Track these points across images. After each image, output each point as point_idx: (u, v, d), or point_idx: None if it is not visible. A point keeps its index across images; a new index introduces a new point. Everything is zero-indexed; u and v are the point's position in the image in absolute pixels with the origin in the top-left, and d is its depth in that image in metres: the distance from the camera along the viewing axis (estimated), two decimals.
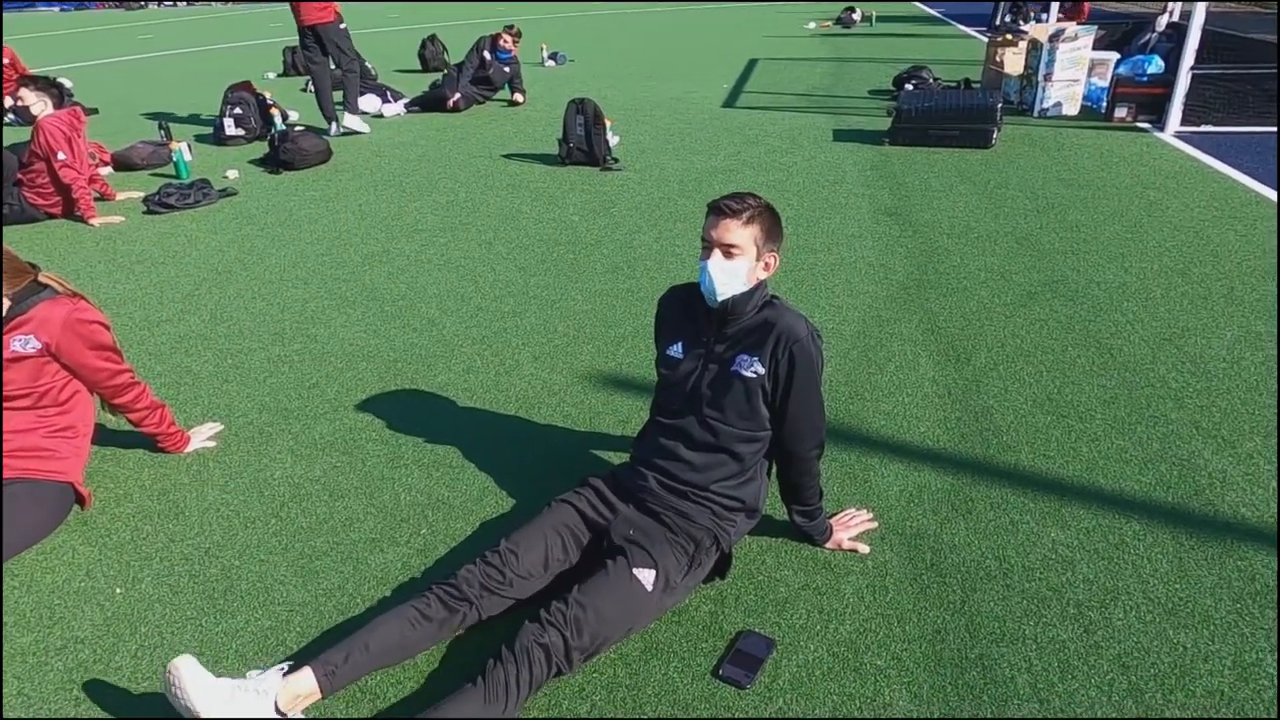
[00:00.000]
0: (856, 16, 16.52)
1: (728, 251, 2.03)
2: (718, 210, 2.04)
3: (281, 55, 12.13)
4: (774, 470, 2.28)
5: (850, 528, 2.34)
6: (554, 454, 2.79)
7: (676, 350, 2.21)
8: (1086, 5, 11.92)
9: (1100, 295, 3.82)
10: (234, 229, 5.31)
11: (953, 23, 16.40)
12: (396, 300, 4.09)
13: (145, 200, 5.79)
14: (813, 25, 16.42)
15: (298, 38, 7.70)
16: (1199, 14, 6.25)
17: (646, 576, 1.98)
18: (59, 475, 2.49)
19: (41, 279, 2.50)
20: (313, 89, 8.03)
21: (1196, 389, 3.01)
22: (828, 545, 2.30)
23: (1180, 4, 9.81)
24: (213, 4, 34.75)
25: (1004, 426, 2.84)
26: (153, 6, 34.13)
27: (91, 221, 5.44)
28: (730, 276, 2.05)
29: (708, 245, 2.06)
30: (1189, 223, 4.72)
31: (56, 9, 33.07)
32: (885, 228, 4.84)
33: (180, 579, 2.29)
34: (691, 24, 18.43)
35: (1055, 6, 8.08)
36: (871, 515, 2.41)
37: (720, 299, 2.07)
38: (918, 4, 21.13)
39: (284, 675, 1.80)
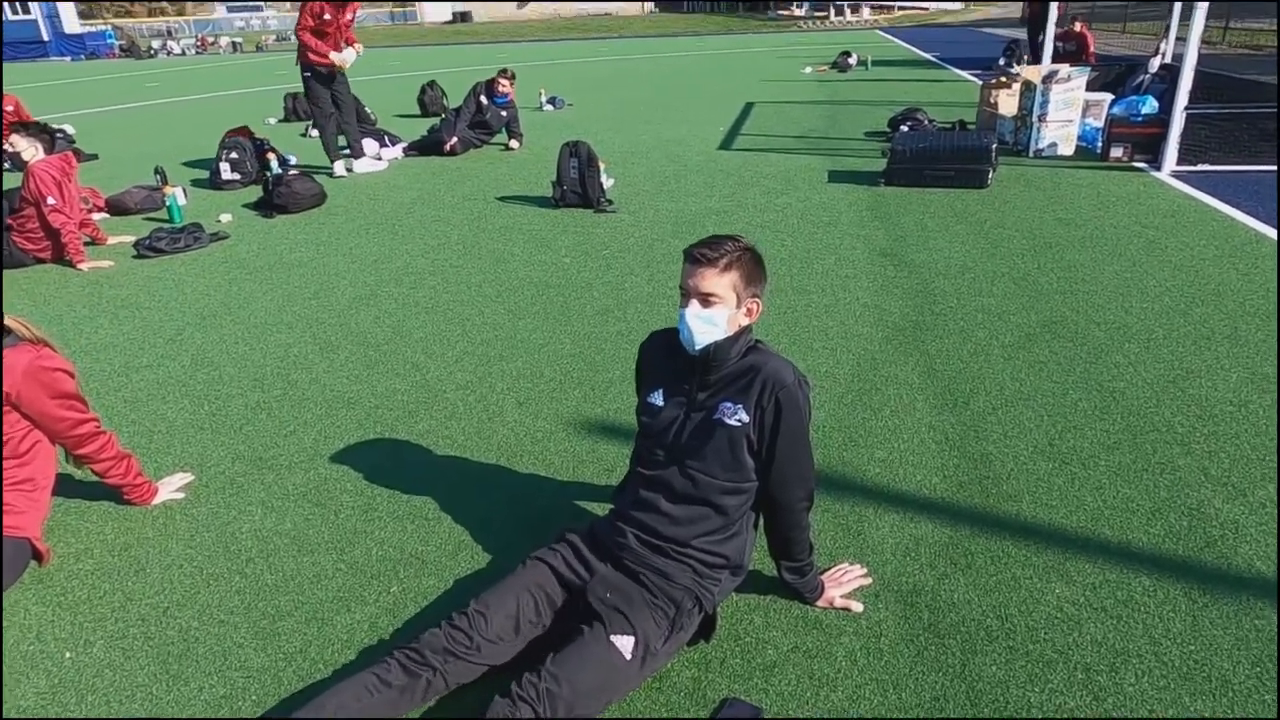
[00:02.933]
0: (852, 60, 16.71)
1: (705, 300, 1.95)
2: (693, 259, 1.96)
3: (283, 101, 12.26)
4: (761, 525, 2.16)
5: (842, 584, 2.21)
6: (534, 505, 2.68)
7: (657, 398, 2.11)
8: (1091, 46, 12.01)
9: (1101, 336, 3.72)
10: (222, 273, 5.26)
11: (947, 66, 16.59)
12: (381, 345, 4.01)
13: (135, 244, 5.76)
14: (809, 70, 16.61)
15: (302, 81, 7.74)
16: (1192, 53, 6.26)
17: (625, 644, 1.85)
18: (15, 531, 2.37)
19: (7, 323, 2.42)
20: (315, 132, 8.06)
21: (1203, 433, 2.90)
22: (819, 603, 2.17)
23: (1173, 45, 9.88)
24: (220, 52, 35.42)
25: (1004, 475, 2.72)
26: (163, 57, 34.76)
27: (80, 266, 5.40)
28: (708, 325, 1.96)
29: (685, 294, 1.98)
30: (1189, 262, 4.65)
31: (68, 59, 33.66)
32: (880, 268, 4.77)
33: (134, 642, 2.16)
34: (690, 69, 18.68)
35: (1049, 49, 8.14)
36: (865, 571, 2.28)
37: (699, 348, 1.98)
38: (913, 48, 21.43)
39: None
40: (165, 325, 4.40)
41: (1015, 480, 2.69)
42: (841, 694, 1.90)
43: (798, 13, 39.32)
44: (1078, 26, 10.80)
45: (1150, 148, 6.98)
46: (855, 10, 38.36)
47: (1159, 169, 6.75)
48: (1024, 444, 2.89)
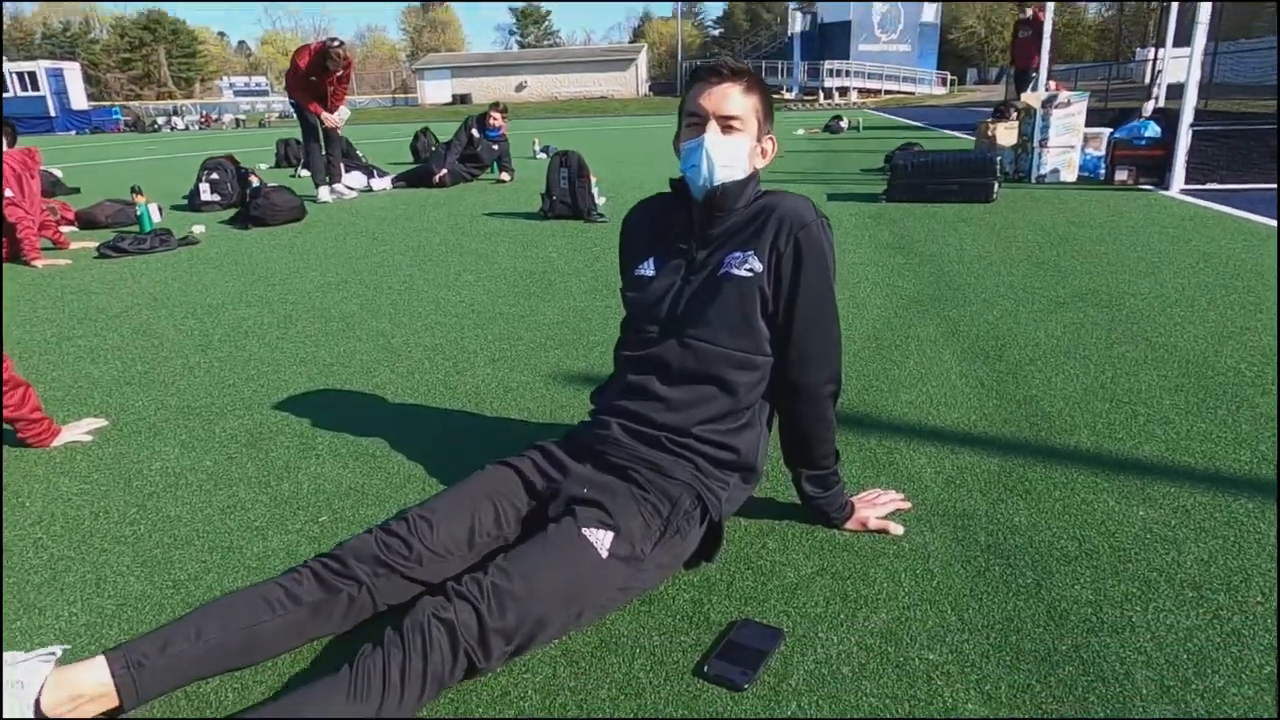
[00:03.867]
0: (844, 124, 16.91)
1: (726, 125, 1.60)
2: (713, 72, 1.61)
3: (275, 147, 12.19)
4: (775, 425, 1.75)
5: (877, 505, 1.79)
6: (501, 441, 2.26)
7: (647, 268, 1.73)
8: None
9: (1138, 304, 3.38)
10: (185, 267, 4.91)
11: (939, 130, 16.78)
12: (345, 318, 3.63)
13: (98, 247, 5.43)
14: (801, 132, 16.77)
15: (292, 107, 7.66)
16: (1195, 67, 6.14)
17: (601, 539, 1.42)
18: None
19: None
20: (305, 172, 7.94)
21: (1275, 377, 2.52)
22: (848, 526, 1.75)
23: (1164, 89, 9.91)
24: (223, 128, 36.07)
25: (1054, 413, 2.32)
26: (166, 131, 35.36)
27: (34, 263, 5.04)
28: (732, 155, 1.60)
29: (698, 119, 1.62)
30: (1217, 250, 4.35)
31: (73, 132, 34.18)
32: (889, 258, 4.46)
33: None
34: None
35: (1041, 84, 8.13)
36: (903, 495, 1.86)
37: (719, 183, 1.61)
38: (901, 119, 21.82)
39: (57, 662, 1.23)
40: (111, 305, 4.02)
41: (1068, 417, 2.29)
42: (885, 616, 1.46)
43: (788, 96, 40.46)
44: (1029, 12, 10.68)
45: (1155, 170, 6.79)
46: (843, 94, 39.52)
47: (1167, 189, 6.54)
48: (1073, 387, 2.51)
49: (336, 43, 7.30)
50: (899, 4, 42.30)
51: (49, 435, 2.34)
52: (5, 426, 2.26)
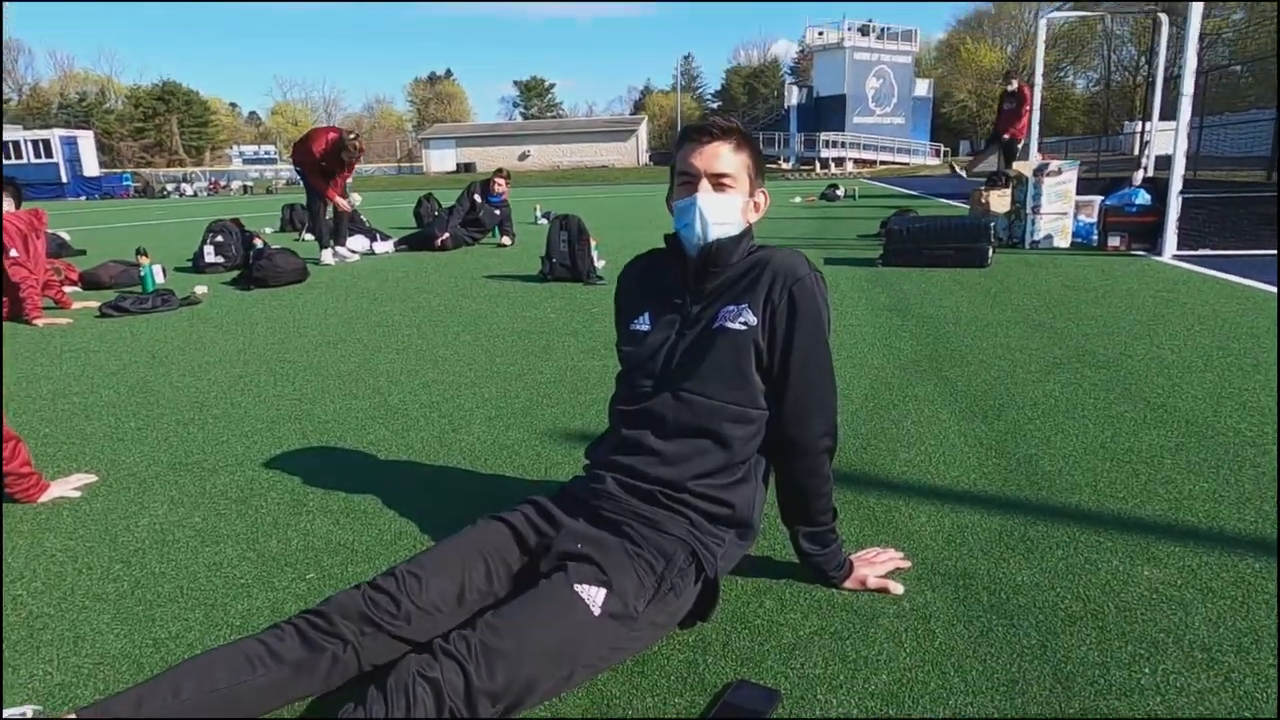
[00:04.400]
0: (840, 192, 17.25)
1: (718, 183, 1.62)
2: (700, 133, 1.64)
3: (280, 212, 12.39)
4: (771, 482, 1.73)
5: (876, 564, 1.76)
6: (495, 499, 2.22)
7: (642, 323, 1.74)
8: (1028, 103, 11.82)
9: (1135, 365, 3.38)
10: (185, 326, 4.93)
11: (934, 198, 17.09)
12: (343, 375, 3.63)
13: (100, 307, 5.46)
14: (798, 199, 17.09)
15: (301, 180, 7.88)
16: (1182, 137, 6.29)
17: (594, 596, 1.39)
18: None
19: None
20: (309, 235, 8.09)
21: (1275, 437, 2.50)
22: (847, 584, 1.71)
23: (1153, 159, 10.13)
24: (231, 194, 36.73)
25: (1055, 472, 2.30)
26: (175, 196, 36.02)
27: (35, 322, 5.07)
28: (724, 213, 1.62)
29: (690, 177, 1.65)
30: (1211, 314, 4.38)
31: (84, 197, 34.82)
32: (886, 319, 4.49)
33: None
34: None
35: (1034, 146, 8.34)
36: (902, 554, 1.83)
37: (712, 239, 1.63)
38: (897, 188, 22.26)
39: None
40: (109, 363, 4.02)
41: (1070, 475, 2.27)
42: (887, 677, 1.42)
43: (785, 166, 41.37)
44: (1014, 84, 10.91)
45: (1147, 236, 6.89)
46: (839, 164, 40.42)
47: (1160, 254, 6.63)
48: (1072, 446, 2.49)
49: (354, 135, 7.53)
50: (892, 79, 43.61)
51: (37, 490, 2.30)
52: None
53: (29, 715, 1.20)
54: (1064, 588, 1.69)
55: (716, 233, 1.63)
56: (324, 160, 7.46)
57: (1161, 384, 3.10)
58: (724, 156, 1.62)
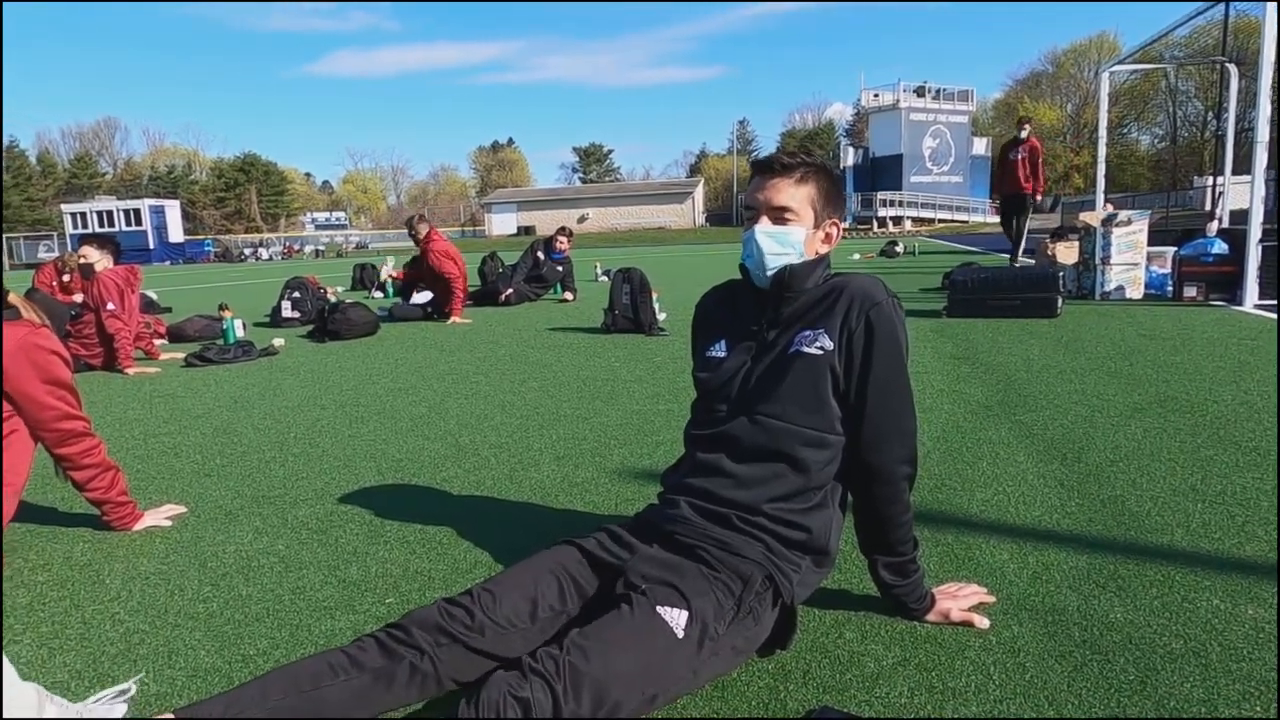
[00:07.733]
0: (899, 249, 17.19)
1: (778, 216, 1.66)
2: (764, 168, 1.70)
3: (351, 271, 12.89)
4: (850, 509, 1.72)
5: (959, 598, 1.71)
6: (567, 532, 2.23)
7: (719, 349, 1.76)
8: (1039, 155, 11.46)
9: (1222, 410, 3.25)
10: (264, 375, 5.14)
11: (997, 254, 16.86)
12: (414, 419, 3.73)
13: (185, 357, 5.74)
14: (857, 256, 17.08)
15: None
16: (1259, 184, 6.13)
17: (677, 618, 1.39)
18: None
19: (10, 299, 2.23)
20: (379, 294, 8.39)
21: None
22: (929, 618, 1.66)
23: (1227, 212, 9.86)
24: (304, 258, 38.39)
25: (1143, 513, 2.22)
26: (252, 261, 37.83)
27: (127, 370, 5.35)
28: (780, 245, 1.65)
29: (753, 210, 1.70)
30: None
31: (168, 263, 36.85)
32: (954, 367, 4.42)
33: (68, 642, 1.74)
34: None
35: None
36: (985, 589, 1.78)
37: (770, 272, 1.66)
38: (956, 245, 22.05)
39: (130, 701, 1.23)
40: (194, 407, 4.21)
41: (1158, 516, 2.18)
42: (976, 708, 1.37)
43: (843, 226, 41.41)
44: (1026, 131, 10.54)
45: (1225, 286, 6.68)
46: (897, 222, 40.32)
47: (1240, 304, 6.41)
48: (1160, 488, 2.40)
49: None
50: (949, 138, 43.62)
51: (132, 519, 2.41)
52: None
53: (131, 690, 1.25)
54: (1161, 625, 1.62)
55: (772, 263, 1.65)
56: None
57: (1252, 429, 2.98)
58: (784, 190, 1.66)
